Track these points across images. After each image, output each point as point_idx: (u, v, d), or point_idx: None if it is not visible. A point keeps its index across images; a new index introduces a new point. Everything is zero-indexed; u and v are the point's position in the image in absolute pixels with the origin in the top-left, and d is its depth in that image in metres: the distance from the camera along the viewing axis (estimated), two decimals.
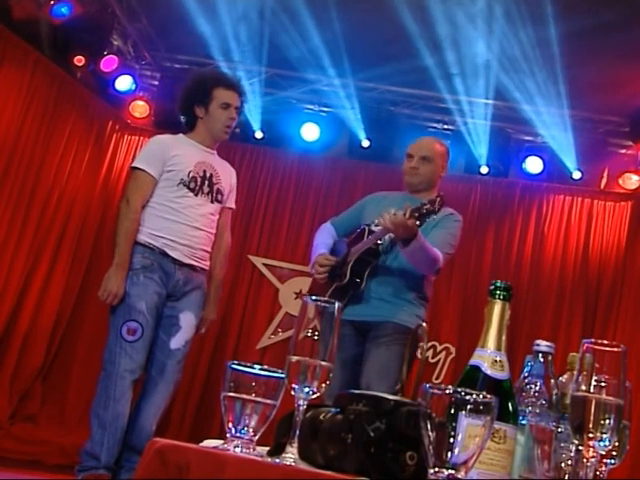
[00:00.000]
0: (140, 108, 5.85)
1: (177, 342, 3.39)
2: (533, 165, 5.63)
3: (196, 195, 3.43)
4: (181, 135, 3.58)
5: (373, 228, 3.17)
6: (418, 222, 2.82)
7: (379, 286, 3.15)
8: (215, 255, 3.56)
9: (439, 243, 3.09)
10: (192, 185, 3.42)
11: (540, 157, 5.64)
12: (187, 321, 3.43)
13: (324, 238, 3.41)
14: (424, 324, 1.55)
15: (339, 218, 3.52)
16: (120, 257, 3.29)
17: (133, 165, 3.47)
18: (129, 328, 3.24)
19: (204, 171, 3.48)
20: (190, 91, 3.55)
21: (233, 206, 3.67)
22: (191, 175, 3.43)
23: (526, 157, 5.67)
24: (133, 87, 5.74)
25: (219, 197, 3.52)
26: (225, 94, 3.49)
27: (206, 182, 3.47)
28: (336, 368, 3.24)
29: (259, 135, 5.74)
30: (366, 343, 3.15)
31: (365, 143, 5.66)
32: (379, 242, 3.14)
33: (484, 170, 5.64)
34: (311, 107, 5.87)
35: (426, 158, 3.28)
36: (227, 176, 3.61)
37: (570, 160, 5.49)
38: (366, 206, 3.41)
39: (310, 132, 5.78)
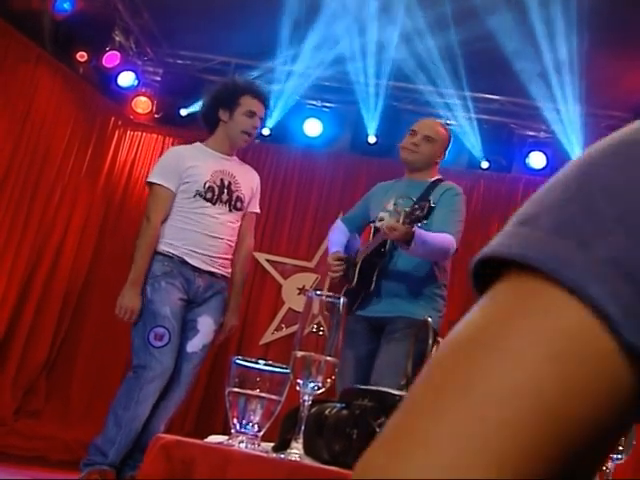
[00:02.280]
0: (142, 104, 5.84)
1: (194, 345, 3.40)
2: (536, 160, 5.62)
3: (214, 204, 3.42)
4: (198, 144, 3.57)
5: (377, 224, 3.14)
6: (412, 225, 2.77)
7: (391, 283, 3.11)
8: (236, 261, 3.54)
9: (444, 224, 3.03)
10: (209, 195, 3.42)
11: (543, 152, 5.62)
12: (205, 325, 3.43)
13: (336, 236, 3.39)
14: (429, 319, 1.54)
15: (349, 214, 3.50)
16: (135, 274, 3.31)
17: (149, 180, 3.46)
18: (156, 334, 3.25)
19: (222, 180, 3.47)
20: (218, 94, 3.54)
21: (257, 210, 3.65)
22: (207, 185, 3.42)
23: (529, 152, 5.66)
24: (135, 83, 5.73)
25: (238, 205, 3.50)
26: (252, 103, 3.49)
27: (225, 191, 3.46)
28: (349, 366, 3.24)
29: (266, 132, 5.72)
30: (380, 338, 3.11)
31: (372, 139, 5.64)
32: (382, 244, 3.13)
33: (485, 165, 5.64)
34: (314, 102, 5.86)
35: (429, 138, 3.22)
36: (248, 181, 3.59)
37: (575, 155, 5.48)
38: (372, 199, 3.39)
39: (313, 128, 5.77)
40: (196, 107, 5.53)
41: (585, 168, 0.38)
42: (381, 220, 3.19)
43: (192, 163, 3.44)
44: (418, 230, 2.80)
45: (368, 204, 3.38)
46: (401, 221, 2.75)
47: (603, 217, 0.35)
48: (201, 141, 3.59)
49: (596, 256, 0.34)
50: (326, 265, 3.31)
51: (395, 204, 3.19)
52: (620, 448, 1.22)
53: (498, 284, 0.37)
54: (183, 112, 5.68)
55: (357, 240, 3.37)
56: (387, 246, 3.09)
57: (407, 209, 2.77)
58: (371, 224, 3.27)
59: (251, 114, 3.48)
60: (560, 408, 0.33)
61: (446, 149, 3.33)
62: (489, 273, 0.38)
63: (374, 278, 3.11)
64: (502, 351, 0.34)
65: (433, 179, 3.26)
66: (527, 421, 0.33)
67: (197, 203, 3.40)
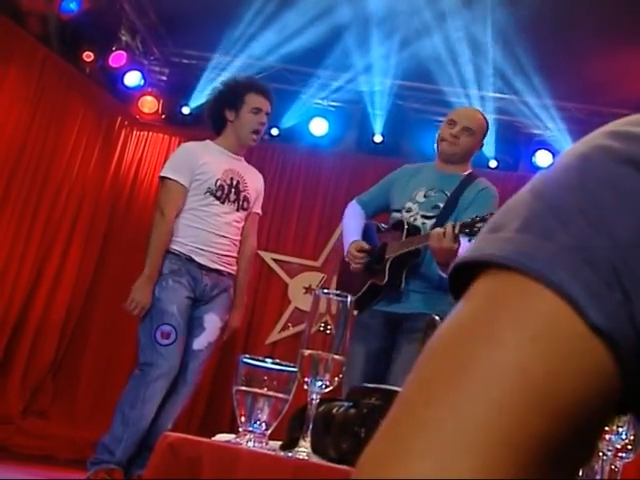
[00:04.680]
0: (149, 103, 5.86)
1: (200, 343, 3.41)
2: (543, 159, 5.60)
3: (222, 203, 3.44)
4: (208, 141, 3.58)
5: (416, 223, 3.00)
6: (468, 238, 2.64)
7: (417, 281, 2.99)
8: (240, 261, 3.56)
9: None
10: (219, 193, 3.43)
11: (549, 151, 5.61)
12: (212, 323, 3.45)
13: (355, 221, 3.23)
14: (437, 317, 1.54)
15: (367, 197, 3.31)
16: (150, 269, 3.31)
17: (162, 175, 3.47)
18: (163, 332, 3.26)
19: (231, 179, 3.48)
20: (222, 94, 3.55)
21: (259, 211, 3.66)
22: (218, 183, 3.44)
23: (535, 151, 5.64)
24: (142, 82, 5.74)
25: (245, 205, 3.52)
26: (257, 99, 3.50)
27: (233, 190, 3.48)
28: (359, 361, 3.11)
29: (275, 132, 5.73)
30: (397, 335, 2.97)
31: (378, 138, 5.63)
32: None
33: (493, 164, 5.62)
34: (320, 102, 5.85)
35: (469, 130, 3.06)
36: (254, 182, 3.61)
37: None
38: (394, 184, 3.20)
39: (319, 127, 5.77)
40: (197, 102, 5.55)
41: (548, 173, 0.42)
42: (409, 211, 3.06)
43: (205, 160, 3.45)
44: (461, 250, 2.68)
45: (389, 188, 3.21)
46: (457, 230, 2.65)
47: (565, 210, 0.38)
48: (210, 139, 3.60)
49: (559, 245, 0.37)
50: (346, 254, 3.12)
51: (426, 196, 3.07)
52: (629, 447, 1.22)
53: (474, 284, 0.39)
54: (185, 110, 5.70)
55: (373, 226, 3.23)
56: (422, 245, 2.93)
57: (468, 220, 2.66)
58: (395, 213, 3.11)
59: (257, 111, 3.49)
60: (544, 386, 0.35)
61: (483, 139, 3.18)
62: (465, 281, 0.40)
63: (403, 276, 2.98)
64: (487, 338, 0.36)
65: (466, 173, 3.11)
66: (517, 400, 0.35)
67: (206, 200, 3.42)
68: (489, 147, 5.60)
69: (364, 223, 3.23)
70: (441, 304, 2.88)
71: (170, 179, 3.42)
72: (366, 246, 3.07)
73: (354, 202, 3.32)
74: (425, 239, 2.83)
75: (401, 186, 3.16)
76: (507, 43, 4.70)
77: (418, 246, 2.90)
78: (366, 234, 3.18)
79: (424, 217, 3.03)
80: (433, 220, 2.98)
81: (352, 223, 3.23)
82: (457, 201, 2.99)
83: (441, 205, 3.02)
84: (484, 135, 3.16)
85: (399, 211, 3.09)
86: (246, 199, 3.53)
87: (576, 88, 5.04)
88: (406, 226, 2.98)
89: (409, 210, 3.06)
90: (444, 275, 2.83)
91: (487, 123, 3.20)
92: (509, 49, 4.75)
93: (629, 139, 0.40)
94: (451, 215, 2.90)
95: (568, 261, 0.36)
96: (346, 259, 3.14)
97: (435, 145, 3.18)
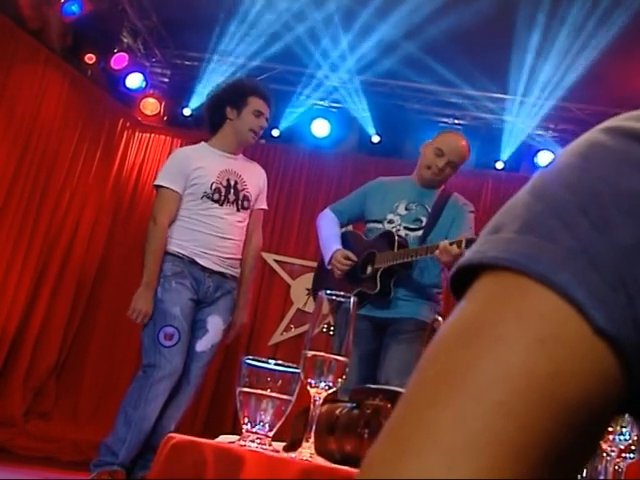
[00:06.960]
0: (151, 105, 5.86)
1: (203, 345, 3.41)
2: (545, 159, 5.60)
3: (221, 205, 3.43)
4: (202, 143, 3.58)
5: (401, 234, 3.15)
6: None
7: (405, 289, 3.14)
8: (244, 259, 3.55)
9: None
10: (216, 197, 3.43)
11: (551, 151, 5.60)
12: (214, 325, 3.45)
13: (332, 229, 3.36)
14: (440, 318, 1.54)
15: (341, 206, 3.45)
16: (149, 276, 3.31)
17: (156, 183, 3.48)
18: (166, 334, 3.26)
19: (228, 180, 3.48)
20: (225, 92, 3.56)
21: (264, 207, 3.65)
22: (214, 187, 3.43)
23: (537, 152, 5.64)
24: (143, 84, 5.75)
25: (245, 204, 3.51)
26: (259, 103, 3.51)
27: (231, 191, 3.47)
28: (353, 364, 3.22)
29: (276, 133, 5.73)
30: (385, 338, 3.12)
31: (375, 139, 5.64)
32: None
33: (499, 165, 5.61)
34: (321, 103, 5.86)
35: (454, 164, 3.23)
36: (255, 178, 3.59)
37: None
38: (370, 195, 3.35)
39: (320, 128, 5.77)
40: (198, 104, 5.54)
41: (548, 172, 0.41)
42: (390, 222, 3.20)
43: (199, 164, 3.44)
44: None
45: (364, 199, 3.36)
46: (464, 246, 2.78)
47: (567, 211, 0.38)
48: (206, 141, 3.60)
49: (562, 247, 0.37)
50: (329, 260, 3.25)
51: (407, 209, 3.23)
52: (632, 447, 1.22)
53: (475, 285, 0.39)
54: (186, 112, 5.71)
55: (348, 233, 3.38)
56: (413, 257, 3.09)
57: (474, 237, 2.78)
58: (375, 224, 3.24)
59: (259, 114, 3.50)
60: (551, 388, 0.35)
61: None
62: (465, 281, 0.40)
63: (392, 285, 3.12)
64: (492, 338, 0.36)
65: (440, 189, 3.30)
66: (522, 401, 0.34)
67: (205, 205, 3.41)
68: (498, 150, 5.60)
69: (339, 230, 3.37)
70: (425, 309, 3.08)
71: (163, 187, 3.42)
72: (351, 255, 3.21)
73: (328, 210, 3.45)
74: (425, 252, 2.95)
75: (379, 197, 3.30)
76: (507, 44, 4.70)
77: (415, 258, 3.03)
78: (343, 242, 3.31)
79: (407, 229, 3.19)
80: (417, 232, 3.14)
81: (330, 231, 3.36)
82: (439, 215, 3.16)
83: (423, 219, 3.19)
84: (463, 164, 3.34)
85: (380, 222, 3.24)
86: (246, 198, 3.52)
87: (577, 88, 5.03)
88: (397, 238, 3.13)
89: (391, 222, 3.21)
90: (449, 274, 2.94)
91: (469, 151, 3.34)
92: (508, 49, 4.75)
93: (628, 136, 0.40)
94: (434, 228, 3.07)
95: (572, 264, 0.36)
96: (328, 266, 3.26)
97: (418, 166, 3.29)
